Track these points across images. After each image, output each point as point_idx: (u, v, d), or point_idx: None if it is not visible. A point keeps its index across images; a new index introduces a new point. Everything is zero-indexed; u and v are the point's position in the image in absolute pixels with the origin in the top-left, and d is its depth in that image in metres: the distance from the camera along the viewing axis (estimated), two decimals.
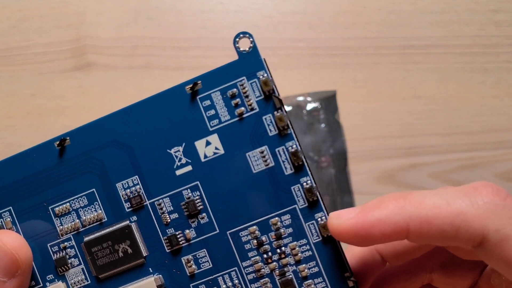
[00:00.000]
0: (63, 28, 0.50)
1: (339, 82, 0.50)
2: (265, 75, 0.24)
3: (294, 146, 0.24)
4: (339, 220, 0.22)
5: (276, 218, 0.24)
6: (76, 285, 0.25)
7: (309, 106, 0.49)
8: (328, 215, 0.23)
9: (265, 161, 0.24)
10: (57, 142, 0.24)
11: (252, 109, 0.24)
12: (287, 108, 0.49)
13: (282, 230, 0.24)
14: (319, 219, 0.24)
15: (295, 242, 0.24)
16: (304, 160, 0.24)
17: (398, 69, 0.50)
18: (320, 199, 0.24)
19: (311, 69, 0.50)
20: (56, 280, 0.25)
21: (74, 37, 0.50)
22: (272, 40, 0.51)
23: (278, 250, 0.24)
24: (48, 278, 0.25)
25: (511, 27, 0.51)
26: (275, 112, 0.24)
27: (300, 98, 0.49)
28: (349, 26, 0.51)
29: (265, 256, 0.24)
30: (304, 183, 0.24)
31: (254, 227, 0.24)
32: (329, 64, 0.50)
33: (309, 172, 0.24)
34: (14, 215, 0.25)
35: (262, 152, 0.24)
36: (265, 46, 0.50)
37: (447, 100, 0.50)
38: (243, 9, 0.51)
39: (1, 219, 0.25)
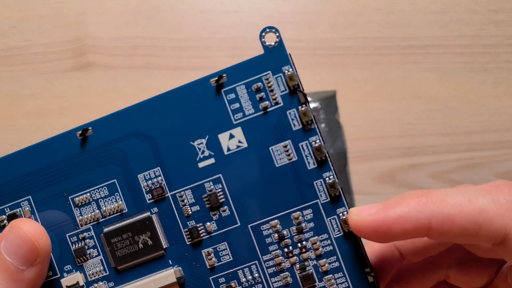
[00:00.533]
0: (63, 28, 0.50)
1: (339, 82, 0.50)
2: (291, 70, 0.24)
3: (318, 141, 0.24)
4: (360, 216, 0.22)
5: (298, 212, 0.24)
6: (94, 276, 0.25)
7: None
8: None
9: (288, 155, 0.24)
10: (79, 132, 0.24)
11: (276, 103, 0.24)
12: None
13: (303, 225, 0.24)
14: (341, 214, 0.24)
15: (316, 237, 0.24)
16: (327, 155, 0.24)
17: (398, 69, 0.50)
18: (342, 194, 0.24)
19: (311, 69, 0.50)
20: (74, 270, 0.25)
21: (74, 37, 0.50)
22: None
23: (299, 245, 0.24)
24: (66, 268, 0.25)
25: (511, 27, 0.51)
26: (300, 107, 0.24)
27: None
28: (349, 26, 0.51)
29: (285, 250, 0.24)
30: (327, 178, 0.24)
31: (276, 221, 0.24)
32: (329, 64, 0.50)
33: (332, 167, 0.24)
34: (33, 204, 0.25)
35: (285, 146, 0.24)
36: None
37: (447, 100, 0.50)
38: (243, 9, 0.51)
39: (20, 208, 0.25)
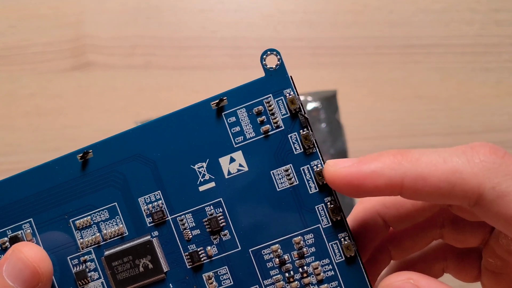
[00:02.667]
0: (62, 27, 0.50)
1: (339, 82, 0.50)
2: (292, 93, 0.23)
3: (319, 165, 0.23)
4: (335, 167, 0.22)
5: (299, 237, 0.24)
6: None
7: (310, 106, 0.49)
8: (353, 237, 0.23)
9: (290, 179, 0.24)
10: (80, 155, 0.24)
11: (277, 127, 0.24)
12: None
13: (305, 249, 0.24)
14: (342, 239, 0.24)
15: (317, 262, 0.24)
16: None
17: (399, 69, 0.50)
18: (344, 220, 0.23)
19: (312, 68, 0.50)
20: None
21: (73, 37, 0.50)
22: (272, 39, 0.50)
23: (300, 269, 0.24)
24: None
25: None
26: (301, 131, 0.23)
27: (301, 98, 0.49)
28: (349, 25, 0.51)
29: (287, 274, 0.24)
30: (328, 203, 0.24)
31: (277, 245, 0.24)
32: (329, 64, 0.50)
33: (333, 192, 0.23)
34: (34, 226, 0.25)
35: (286, 170, 0.24)
36: (265, 46, 0.50)
37: (448, 99, 0.50)
38: (243, 8, 0.51)
39: (22, 231, 0.25)
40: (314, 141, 0.24)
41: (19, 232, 0.25)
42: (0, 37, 0.50)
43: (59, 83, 0.49)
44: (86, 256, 0.25)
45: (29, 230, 0.25)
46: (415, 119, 0.50)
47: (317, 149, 0.24)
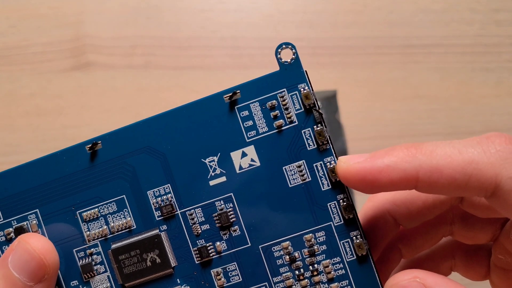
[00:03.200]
0: (62, 27, 0.50)
1: (339, 82, 0.50)
2: (307, 88, 0.23)
3: (333, 162, 0.23)
4: (348, 163, 0.21)
5: (311, 234, 0.23)
6: None
7: None
8: (364, 236, 0.23)
9: (302, 175, 0.23)
10: (89, 146, 0.24)
11: (291, 122, 0.23)
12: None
13: (315, 247, 0.23)
14: (354, 237, 0.23)
15: (328, 260, 0.23)
16: None
17: (399, 69, 0.50)
18: (356, 218, 0.23)
19: (312, 68, 0.50)
20: (80, 286, 0.24)
21: (73, 37, 0.50)
22: (272, 39, 0.50)
23: (311, 267, 0.23)
24: (73, 284, 0.24)
25: None
26: (315, 127, 0.23)
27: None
28: (349, 25, 0.51)
29: (297, 272, 0.23)
30: (341, 200, 0.23)
31: (287, 242, 0.23)
32: (329, 64, 0.50)
33: (346, 189, 0.23)
34: (40, 218, 0.24)
35: (299, 167, 0.23)
36: (265, 46, 0.50)
37: (448, 99, 0.50)
38: (243, 8, 0.51)
39: (27, 222, 0.25)
40: (328, 137, 0.23)
41: (25, 223, 0.25)
42: (0, 37, 0.50)
43: (59, 83, 0.49)
44: (92, 249, 0.24)
45: (34, 221, 0.25)
46: (415, 119, 0.50)
47: (331, 146, 0.23)
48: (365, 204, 0.27)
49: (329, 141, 0.23)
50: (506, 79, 0.50)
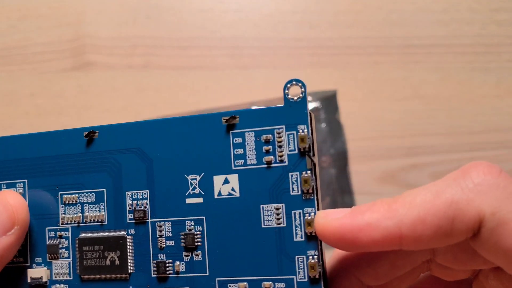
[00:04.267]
0: (62, 27, 0.50)
1: (339, 82, 0.50)
2: (306, 130, 0.22)
3: (313, 214, 0.22)
4: (326, 219, 0.20)
5: (270, 282, 0.22)
6: (59, 277, 0.24)
7: (310, 106, 0.49)
8: None
9: (278, 219, 0.22)
10: (86, 133, 0.24)
11: (281, 161, 0.22)
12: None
13: None
14: None
15: None
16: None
17: (399, 69, 0.50)
18: (322, 280, 0.22)
19: (312, 68, 0.50)
20: (43, 264, 0.25)
21: (73, 37, 0.50)
22: (272, 39, 0.50)
23: None
24: (37, 260, 0.25)
25: None
26: (304, 172, 0.22)
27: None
28: (349, 25, 0.51)
29: None
30: (310, 257, 0.22)
31: (245, 283, 0.22)
32: (329, 64, 0.50)
33: (319, 247, 0.22)
34: (27, 188, 0.25)
35: (277, 209, 0.22)
36: (265, 46, 0.50)
37: (448, 100, 0.50)
38: (243, 8, 0.51)
39: (14, 189, 0.25)
40: (314, 187, 0.22)
41: (13, 189, 0.25)
42: (0, 37, 0.50)
43: (59, 83, 0.49)
44: (63, 232, 0.25)
45: (21, 190, 0.25)
46: (415, 119, 0.49)
47: (315, 197, 0.22)
48: (328, 263, 0.25)
49: (315, 192, 0.22)
50: (506, 79, 0.50)
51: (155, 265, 0.24)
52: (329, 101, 0.49)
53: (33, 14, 0.50)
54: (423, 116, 0.49)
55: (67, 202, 0.25)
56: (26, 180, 0.25)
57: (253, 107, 0.47)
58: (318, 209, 0.22)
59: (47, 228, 0.25)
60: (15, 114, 0.48)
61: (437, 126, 0.49)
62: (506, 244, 0.17)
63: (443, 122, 0.49)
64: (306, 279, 0.22)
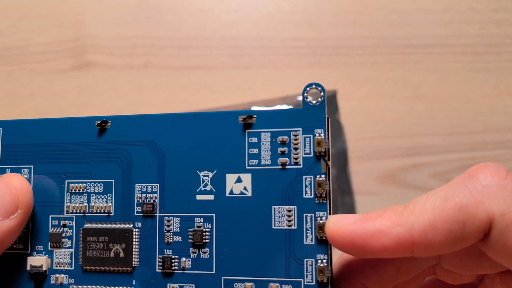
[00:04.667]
0: (62, 27, 0.50)
1: (339, 82, 0.50)
2: (322, 134, 0.22)
3: (324, 218, 0.22)
4: (336, 224, 0.20)
5: (277, 284, 0.22)
6: (60, 266, 0.24)
7: None
8: None
9: (289, 221, 0.22)
10: (98, 122, 0.24)
11: (296, 163, 0.22)
12: (287, 108, 0.49)
13: None
14: None
15: None
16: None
17: (399, 69, 0.50)
18: (330, 283, 0.22)
19: (312, 68, 0.50)
20: (43, 253, 0.24)
21: (73, 37, 0.50)
22: (272, 39, 0.50)
23: None
24: (38, 248, 0.24)
25: None
26: (318, 176, 0.22)
27: (300, 98, 0.49)
28: (349, 25, 0.51)
29: None
30: (320, 261, 0.22)
31: (251, 283, 0.22)
32: (329, 64, 0.50)
33: (328, 252, 0.22)
34: (32, 174, 0.25)
35: (289, 211, 0.22)
36: (265, 46, 0.50)
37: (448, 99, 0.50)
38: (243, 8, 0.51)
39: (20, 174, 0.25)
40: (328, 191, 0.22)
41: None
42: (0, 37, 0.50)
43: (59, 83, 0.49)
44: (67, 221, 0.24)
45: (26, 176, 0.25)
46: (415, 119, 0.49)
47: (328, 201, 0.22)
48: (334, 266, 0.25)
49: (328, 197, 0.22)
50: (506, 79, 0.50)
51: (161, 260, 0.23)
52: (329, 101, 0.49)
53: (33, 14, 0.50)
54: (423, 116, 0.49)
55: (73, 191, 0.24)
56: (32, 166, 0.25)
57: (253, 108, 0.47)
58: (330, 214, 0.22)
59: (50, 216, 0.25)
60: (15, 114, 0.48)
61: (437, 126, 0.49)
62: None
63: (443, 122, 0.49)
64: (314, 283, 0.22)
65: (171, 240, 0.23)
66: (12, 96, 0.49)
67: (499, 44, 0.51)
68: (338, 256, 0.24)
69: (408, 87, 0.50)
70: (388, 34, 0.51)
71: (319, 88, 0.22)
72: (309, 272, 0.22)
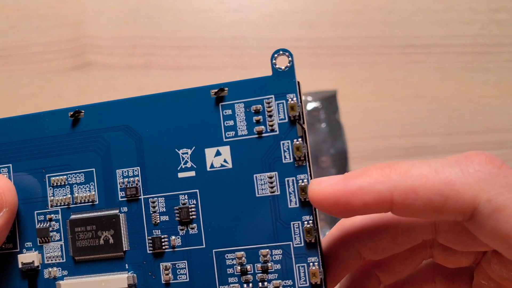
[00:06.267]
0: (62, 27, 0.50)
1: (339, 82, 0.50)
2: (295, 99, 0.22)
3: (306, 180, 0.22)
4: (319, 185, 0.20)
5: (267, 250, 0.22)
6: (51, 260, 0.24)
7: (310, 106, 0.49)
8: (322, 264, 0.22)
9: (272, 187, 0.23)
10: (71, 113, 0.24)
11: (272, 130, 0.23)
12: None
13: (269, 264, 0.22)
14: (311, 263, 0.22)
15: (279, 281, 0.22)
16: None
17: (399, 69, 0.50)
18: (318, 243, 0.22)
19: (312, 68, 0.50)
20: (33, 249, 0.24)
21: (73, 37, 0.50)
22: (272, 39, 0.50)
23: (260, 284, 0.22)
24: (27, 245, 0.24)
25: None
26: (295, 140, 0.22)
27: (304, 97, 0.49)
28: (349, 25, 0.51)
29: (245, 285, 0.22)
30: (306, 222, 0.22)
31: (242, 252, 0.23)
32: (329, 64, 0.50)
33: (313, 212, 0.22)
34: (11, 173, 0.25)
35: (270, 178, 0.23)
36: (265, 46, 0.50)
37: (448, 99, 0.50)
38: (243, 8, 0.51)
39: None
40: (306, 154, 0.22)
41: None
42: (0, 37, 0.50)
43: (59, 83, 0.49)
44: (52, 215, 0.24)
45: (6, 175, 0.25)
46: (415, 119, 0.49)
47: (307, 163, 0.22)
48: (331, 231, 0.25)
49: (307, 158, 0.22)
50: (506, 79, 0.50)
51: (150, 241, 0.23)
52: (329, 101, 0.49)
53: (33, 14, 0.50)
54: (422, 116, 0.49)
55: (55, 184, 0.24)
56: (10, 165, 0.25)
57: None
58: (310, 175, 0.22)
59: (35, 212, 0.24)
60: (15, 114, 0.48)
61: (436, 126, 0.49)
62: (502, 229, 0.18)
63: (442, 122, 0.49)
64: (302, 244, 0.22)
65: (158, 221, 0.24)
66: (12, 96, 0.49)
67: (499, 44, 0.51)
68: (337, 223, 0.25)
69: (408, 87, 0.50)
70: (388, 34, 0.51)
71: (287, 54, 0.23)
72: (296, 234, 0.22)
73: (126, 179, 0.24)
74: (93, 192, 0.24)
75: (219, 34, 0.50)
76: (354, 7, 0.51)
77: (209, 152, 0.23)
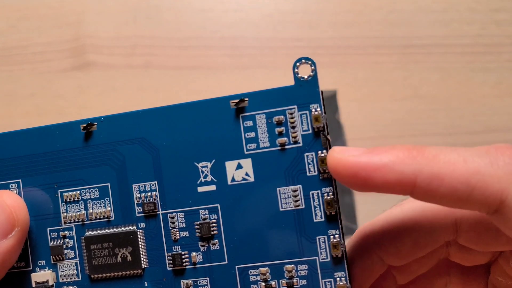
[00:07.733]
0: (62, 27, 0.50)
1: (339, 82, 0.50)
2: (319, 109, 0.21)
3: (331, 194, 0.21)
4: (342, 154, 0.19)
5: (292, 265, 0.22)
6: (66, 279, 0.23)
7: None
8: (349, 279, 0.22)
9: (296, 201, 0.22)
10: (84, 125, 0.23)
11: (295, 142, 0.22)
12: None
13: (295, 280, 0.22)
14: (338, 279, 0.21)
15: None
16: (338, 211, 0.22)
17: (399, 69, 0.50)
18: (345, 258, 0.22)
19: None
20: (47, 267, 0.23)
21: (73, 37, 0.50)
22: (272, 39, 0.50)
23: None
24: (40, 263, 0.24)
25: None
26: (320, 152, 0.21)
27: None
28: (349, 25, 0.51)
29: None
30: (332, 236, 0.21)
31: (266, 268, 0.22)
32: (329, 64, 0.50)
33: (339, 226, 0.21)
34: (21, 188, 0.24)
35: (294, 191, 0.22)
36: (265, 46, 0.50)
37: (448, 100, 0.50)
38: (243, 8, 0.51)
39: (8, 190, 0.24)
40: None
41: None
42: (0, 37, 0.50)
43: (59, 83, 0.49)
44: (66, 232, 0.24)
45: (15, 191, 0.24)
46: (415, 119, 0.49)
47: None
48: (351, 239, 0.25)
49: None
50: (506, 79, 0.50)
51: (170, 257, 0.23)
52: (329, 101, 0.49)
53: (33, 14, 0.50)
54: (423, 116, 0.49)
55: (68, 200, 0.23)
56: (20, 180, 0.24)
57: None
58: (336, 188, 0.21)
59: (48, 228, 0.24)
60: (15, 114, 0.48)
61: (437, 126, 0.49)
62: None
63: (443, 122, 0.49)
64: (328, 259, 0.22)
65: (178, 237, 0.23)
66: (12, 96, 0.49)
67: (499, 44, 0.51)
68: (356, 230, 0.24)
69: (408, 87, 0.50)
70: (388, 34, 0.50)
71: (309, 62, 0.21)
72: (322, 249, 0.22)
73: (143, 194, 0.23)
74: (109, 208, 0.23)
75: (219, 34, 0.50)
76: (354, 7, 0.51)
77: (230, 165, 0.22)
